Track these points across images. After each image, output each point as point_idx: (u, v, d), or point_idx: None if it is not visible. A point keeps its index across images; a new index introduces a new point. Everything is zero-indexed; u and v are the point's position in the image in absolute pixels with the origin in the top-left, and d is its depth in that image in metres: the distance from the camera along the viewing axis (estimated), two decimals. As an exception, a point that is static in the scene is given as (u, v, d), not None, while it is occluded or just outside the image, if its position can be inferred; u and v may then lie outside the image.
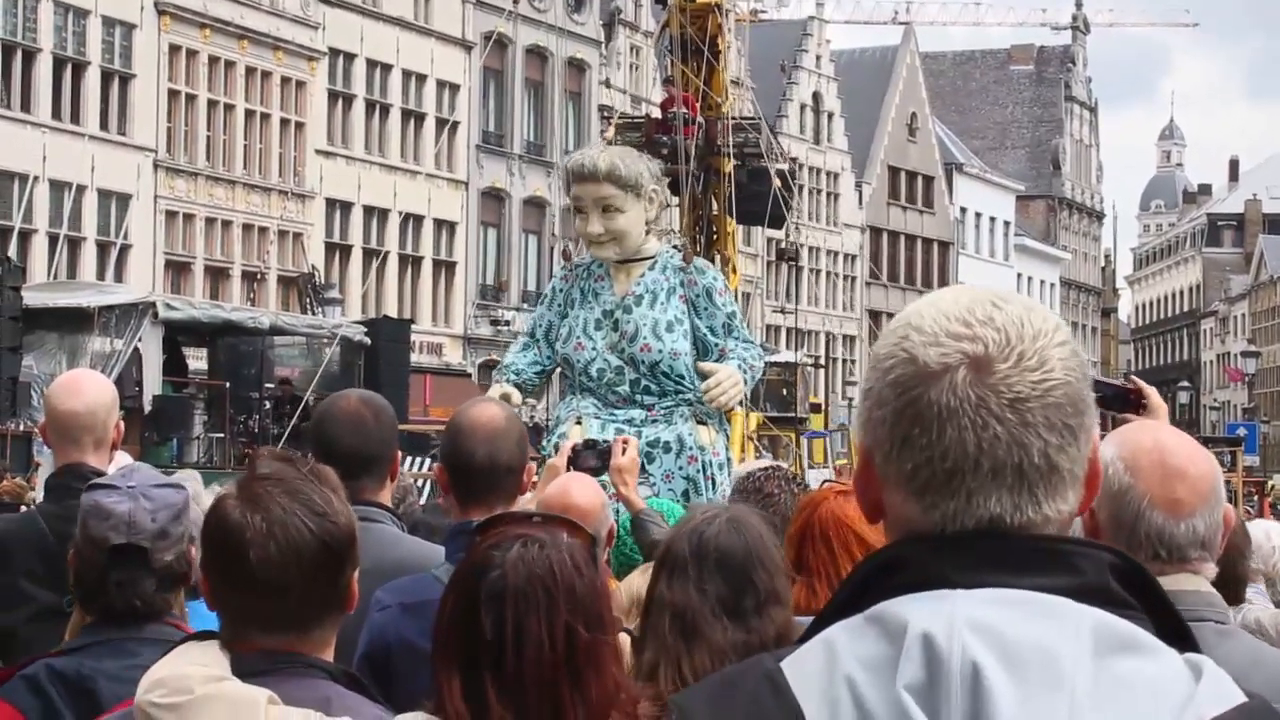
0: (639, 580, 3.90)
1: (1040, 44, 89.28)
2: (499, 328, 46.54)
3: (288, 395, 26.49)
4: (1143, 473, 2.72)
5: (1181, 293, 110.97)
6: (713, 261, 21.14)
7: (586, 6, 51.00)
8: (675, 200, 26.31)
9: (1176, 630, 1.49)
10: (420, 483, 19.54)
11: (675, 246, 7.98)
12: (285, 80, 41.70)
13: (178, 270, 39.02)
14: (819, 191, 64.32)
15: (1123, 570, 1.49)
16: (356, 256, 43.38)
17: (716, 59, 28.66)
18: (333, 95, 43.21)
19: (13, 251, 31.08)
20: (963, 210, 74.51)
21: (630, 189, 7.34)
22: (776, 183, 29.58)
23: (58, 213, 35.42)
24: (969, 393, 1.48)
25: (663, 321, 7.31)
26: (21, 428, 21.09)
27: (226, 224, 40.11)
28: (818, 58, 65.49)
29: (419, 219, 45.26)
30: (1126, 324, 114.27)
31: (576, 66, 50.48)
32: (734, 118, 29.89)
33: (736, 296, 22.67)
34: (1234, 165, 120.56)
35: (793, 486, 4.80)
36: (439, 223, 45.95)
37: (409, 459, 20.54)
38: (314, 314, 36.01)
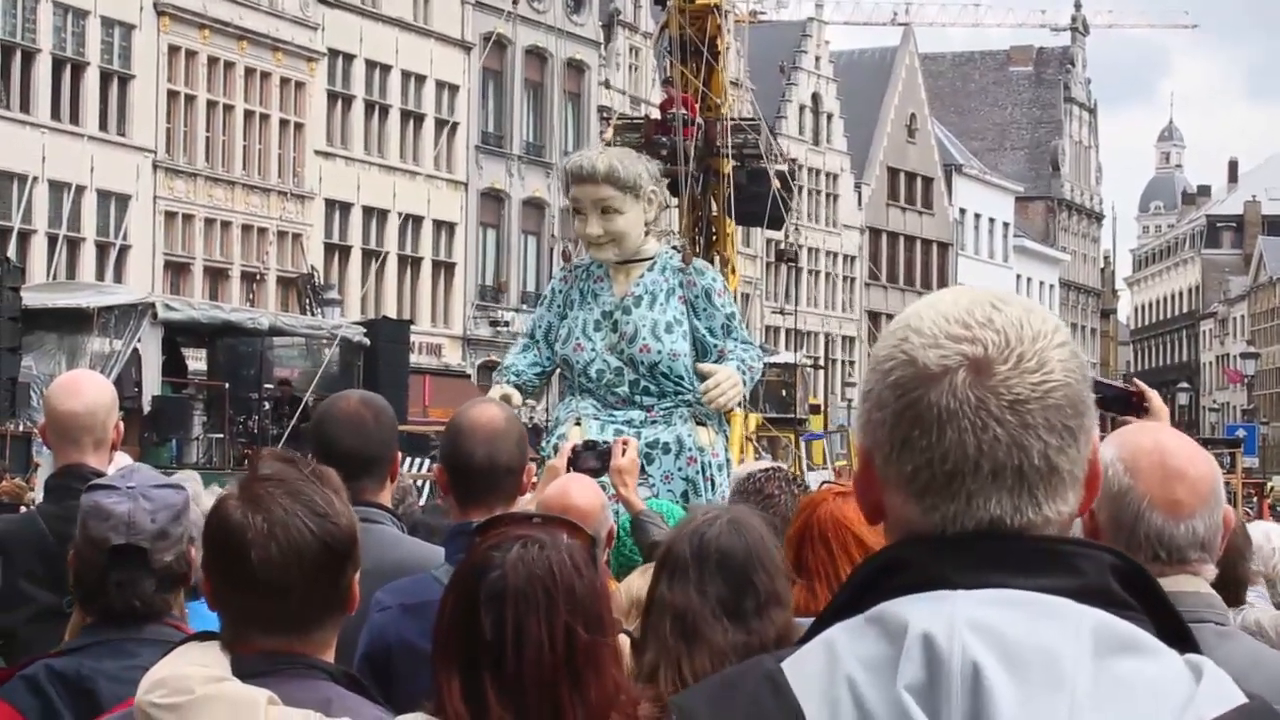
0: (638, 581, 3.90)
1: (1039, 45, 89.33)
2: (498, 328, 46.54)
3: (287, 396, 26.49)
4: (1142, 474, 2.72)
5: (1181, 294, 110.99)
6: (712, 262, 21.14)
7: (586, 7, 51.01)
8: (674, 201, 26.32)
9: (1177, 631, 1.49)
10: (420, 483, 19.55)
11: (674, 247, 7.98)
12: (284, 81, 41.71)
13: (177, 271, 39.02)
14: (818, 192, 64.33)
15: (1123, 571, 1.50)
16: (356, 257, 43.38)
17: (716, 60, 28.66)
18: (332, 96, 43.22)
19: (12, 252, 31.09)
20: (962, 211, 74.52)
21: (629, 190, 7.35)
22: (776, 184, 29.57)
23: (57, 213, 35.42)
24: (969, 394, 1.48)
25: (662, 322, 7.32)
26: (21, 428, 21.10)
27: (226, 225, 40.11)
28: (817, 59, 65.50)
29: (418, 220, 45.26)
30: (1126, 325, 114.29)
31: (576, 67, 50.49)
32: (733, 119, 29.87)
33: (736, 297, 22.66)
34: (1233, 167, 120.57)
35: (793, 488, 4.80)
36: (438, 223, 45.95)
37: (408, 460, 20.52)
38: (313, 315, 36.03)
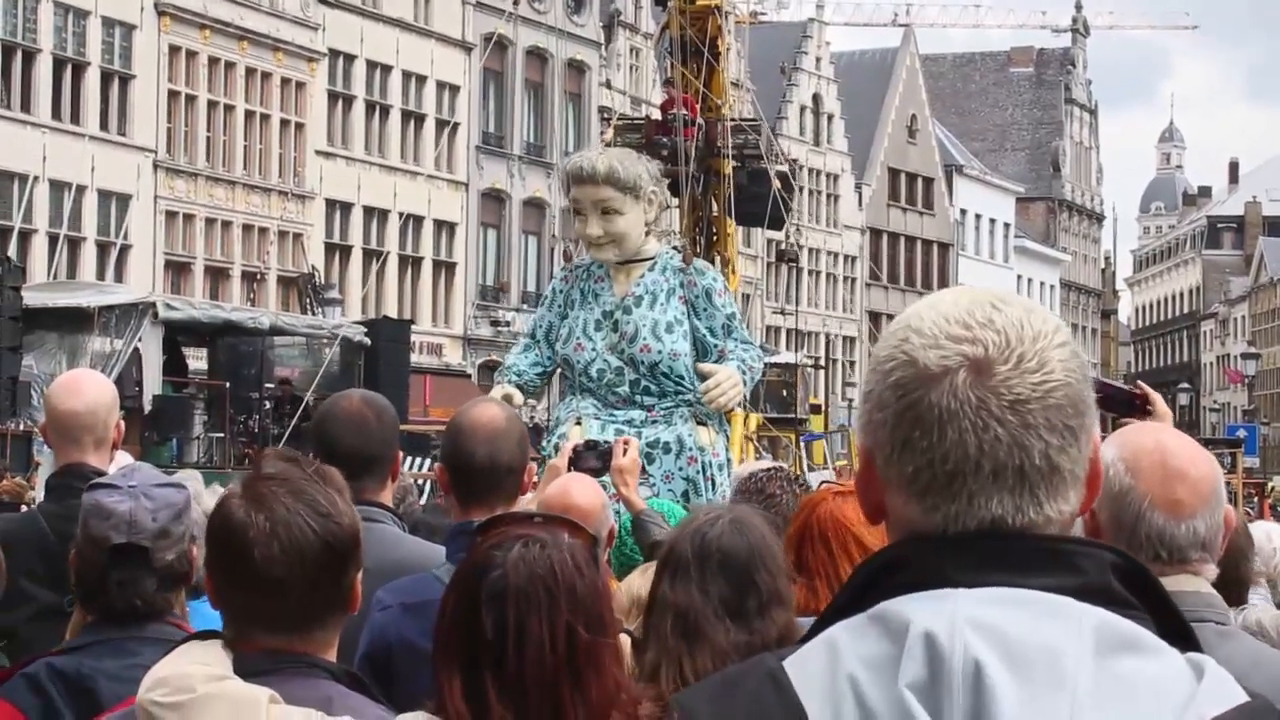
0: (639, 581, 3.90)
1: (1040, 46, 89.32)
2: (499, 328, 46.55)
3: (288, 395, 26.49)
4: (1144, 474, 2.72)
5: (1181, 295, 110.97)
6: (712, 263, 21.13)
7: (586, 8, 51.01)
8: (675, 201, 26.31)
9: (1179, 630, 1.49)
10: (421, 483, 19.55)
11: (675, 248, 7.98)
12: (285, 81, 41.71)
13: (178, 270, 39.02)
14: (819, 193, 64.33)
15: (1125, 570, 1.50)
16: (356, 257, 43.38)
17: (716, 61, 28.66)
18: (333, 96, 43.22)
19: (13, 251, 31.08)
20: (962, 212, 74.53)
21: (629, 191, 7.35)
22: (776, 184, 29.57)
23: (58, 213, 35.42)
24: (969, 395, 1.48)
25: (662, 322, 7.32)
26: (22, 427, 21.10)
27: (226, 224, 40.12)
28: (818, 60, 65.51)
29: (419, 220, 45.26)
30: (1126, 326, 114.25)
31: (576, 68, 50.49)
32: (734, 119, 29.88)
33: (736, 298, 22.67)
34: (1234, 167, 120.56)
35: (794, 487, 4.80)
36: (439, 223, 45.96)
37: (409, 459, 20.54)
38: (314, 314, 36.03)
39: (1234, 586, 3.96)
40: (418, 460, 23.92)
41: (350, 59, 43.54)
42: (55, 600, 3.83)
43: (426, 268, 45.66)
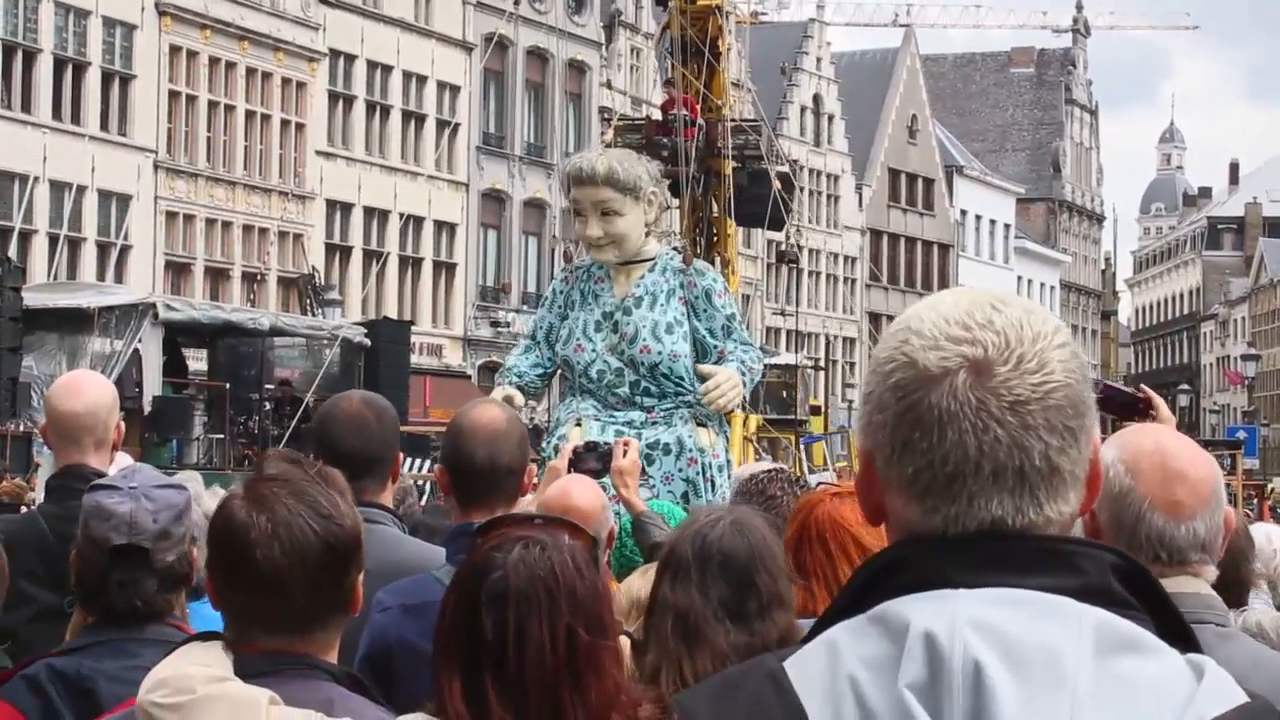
0: (638, 582, 3.90)
1: (1040, 47, 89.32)
2: (499, 329, 46.55)
3: (288, 396, 26.50)
4: (1143, 475, 2.72)
5: (1181, 296, 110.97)
6: (712, 264, 21.13)
7: (587, 8, 51.02)
8: (675, 202, 26.31)
9: (1179, 631, 1.49)
10: (421, 484, 19.55)
11: (675, 249, 7.98)
12: (286, 81, 41.72)
13: (178, 271, 39.03)
14: (819, 194, 64.34)
15: (1125, 571, 1.50)
16: (357, 258, 43.39)
17: (717, 61, 28.66)
18: (333, 96, 43.23)
19: (13, 252, 31.08)
20: (963, 213, 74.53)
21: (629, 192, 7.34)
22: (777, 185, 29.58)
23: (58, 213, 35.43)
24: (969, 396, 1.48)
25: (662, 323, 7.32)
26: (22, 428, 21.10)
27: (227, 225, 40.12)
28: (818, 60, 65.52)
29: (419, 220, 45.27)
30: (1126, 327, 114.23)
31: (577, 68, 50.50)
32: (734, 120, 29.88)
33: (737, 299, 22.66)
34: (1234, 168, 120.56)
35: (795, 489, 4.80)
36: (439, 224, 45.96)
37: (409, 460, 20.54)
38: (314, 315, 36.03)
39: (1234, 588, 3.96)
40: (417, 461, 23.92)
41: (351, 59, 43.55)
42: (55, 601, 3.83)
43: (427, 268, 45.66)
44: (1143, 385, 3.86)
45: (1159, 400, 3.71)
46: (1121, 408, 3.65)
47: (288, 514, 2.48)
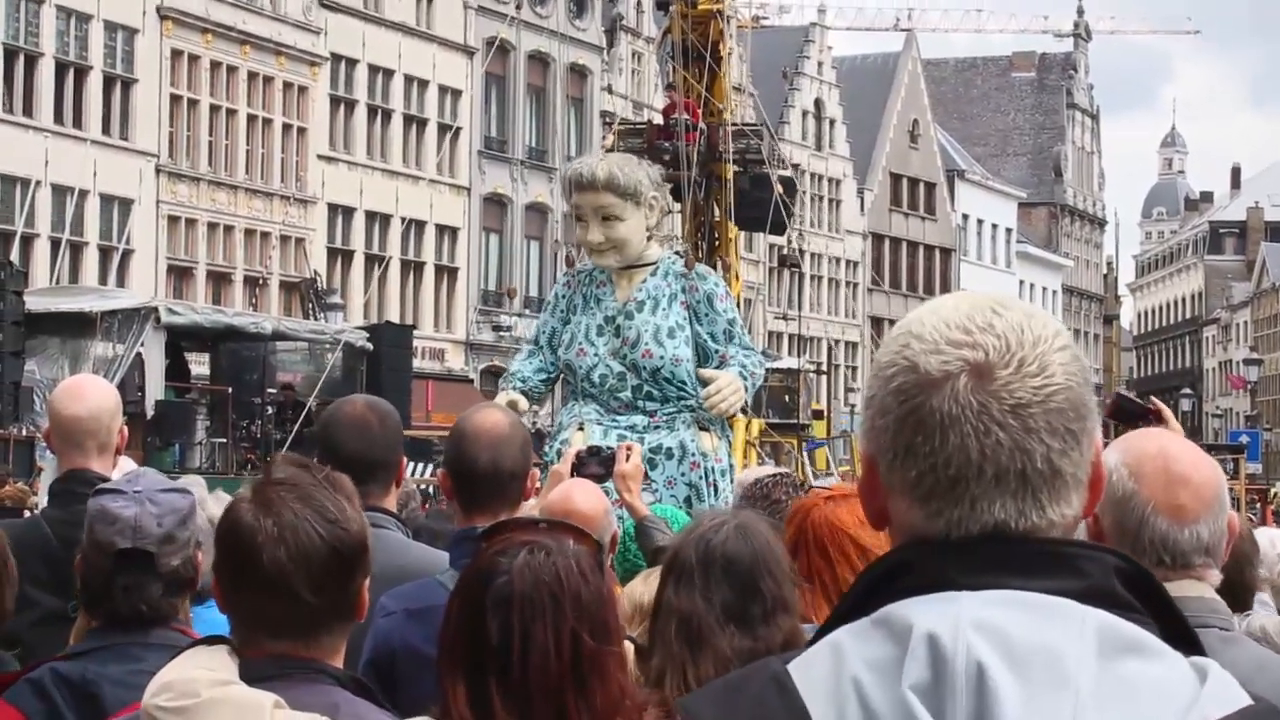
0: (640, 587, 3.90)
1: (1042, 51, 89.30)
2: (501, 333, 46.56)
3: (290, 400, 26.51)
4: (1147, 479, 2.73)
5: (1183, 300, 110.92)
6: (714, 268, 21.14)
7: (588, 12, 51.03)
8: (677, 207, 26.33)
9: (1183, 635, 1.50)
10: (426, 488, 19.56)
11: (677, 252, 7.98)
12: (287, 85, 41.73)
13: (180, 275, 39.04)
14: (821, 198, 64.34)
15: (1128, 574, 1.50)
16: (358, 262, 43.39)
17: (718, 65, 28.69)
18: (335, 100, 43.24)
19: (15, 256, 31.11)
20: (964, 217, 74.51)
21: (629, 197, 7.34)
22: (778, 189, 29.59)
23: (60, 217, 35.44)
24: (971, 399, 1.48)
25: (664, 327, 7.31)
26: (24, 433, 21.11)
27: (229, 229, 40.13)
28: (819, 64, 65.51)
29: (421, 224, 45.27)
30: (1128, 331, 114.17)
31: (578, 72, 50.51)
32: (736, 124, 29.92)
33: (739, 303, 22.67)
34: (1236, 173, 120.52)
35: (800, 493, 4.80)
36: (441, 228, 45.97)
37: (411, 465, 20.55)
38: (316, 319, 36.02)
39: (1238, 592, 3.97)
40: (420, 466, 23.95)
41: (352, 63, 43.56)
42: (59, 606, 3.83)
43: (429, 273, 45.67)
44: (1153, 398, 3.87)
45: (1169, 413, 3.72)
46: (1131, 417, 3.66)
47: (294, 518, 2.49)
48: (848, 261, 65.97)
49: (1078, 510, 1.53)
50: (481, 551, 2.45)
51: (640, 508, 5.40)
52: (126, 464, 4.58)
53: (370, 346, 27.79)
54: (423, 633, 3.30)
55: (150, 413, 23.75)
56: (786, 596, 3.16)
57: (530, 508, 4.08)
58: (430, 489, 19.90)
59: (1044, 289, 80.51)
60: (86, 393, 4.46)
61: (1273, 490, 41.90)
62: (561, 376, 7.66)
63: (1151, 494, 2.72)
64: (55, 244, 35.13)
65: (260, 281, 40.32)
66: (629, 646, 2.95)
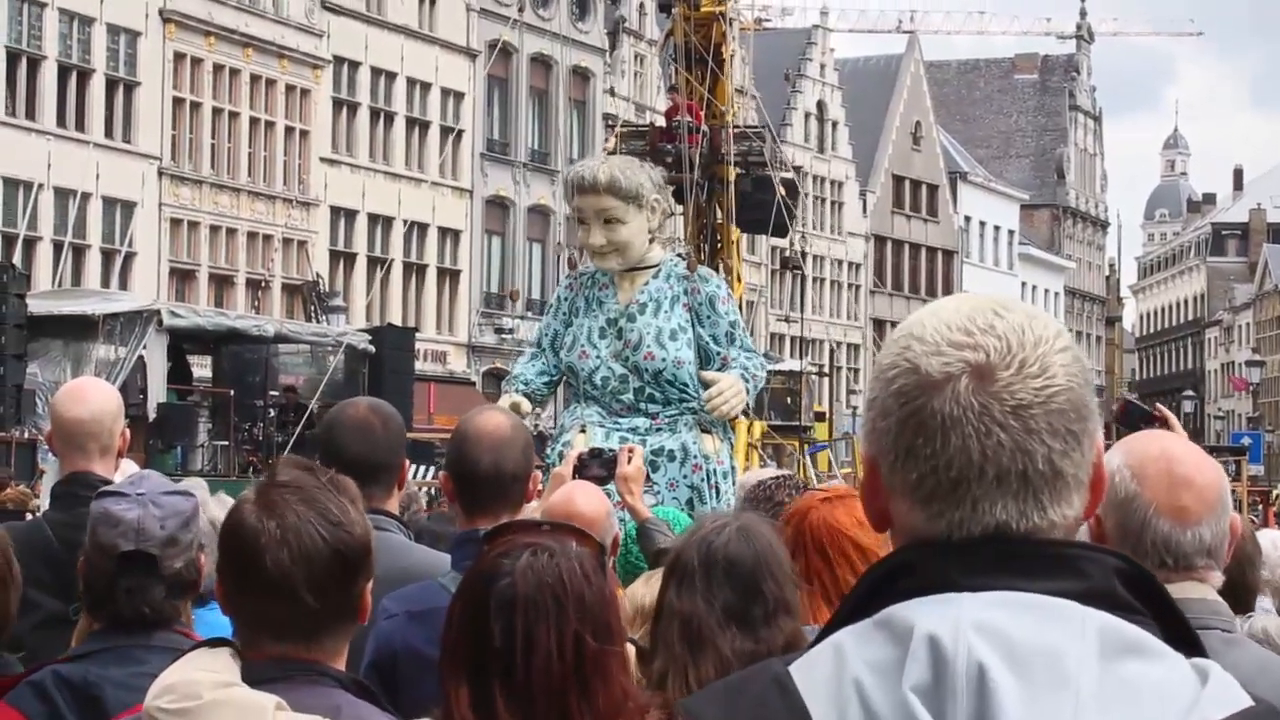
0: (641, 589, 3.89)
1: (1044, 53, 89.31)
2: (503, 336, 46.57)
3: (292, 403, 26.52)
4: (1149, 481, 2.73)
5: (1186, 302, 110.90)
6: (716, 270, 21.15)
7: (591, 15, 51.05)
8: (679, 209, 26.34)
9: (1184, 636, 1.50)
10: (431, 490, 19.56)
11: (679, 255, 7.98)
12: (290, 88, 41.75)
13: (182, 278, 39.06)
14: (823, 200, 64.36)
15: (1129, 575, 1.50)
16: (361, 264, 43.42)
17: (721, 67, 28.70)
18: (337, 103, 43.26)
19: (18, 259, 31.14)
20: (967, 219, 74.53)
21: (631, 200, 7.34)
22: (780, 191, 29.59)
23: (62, 220, 35.46)
24: (972, 401, 1.49)
25: (666, 330, 7.31)
26: (26, 435, 21.10)
27: (231, 232, 40.15)
28: (822, 66, 65.54)
29: (423, 227, 45.30)
30: (1131, 333, 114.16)
31: (581, 75, 50.53)
32: (738, 126, 29.94)
33: (741, 305, 22.67)
34: (1238, 174, 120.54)
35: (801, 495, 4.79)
36: (444, 231, 45.99)
37: (413, 467, 20.55)
38: (318, 322, 36.04)
39: (1240, 594, 3.96)
40: (422, 468, 23.94)
41: (355, 66, 43.59)
42: (61, 608, 3.83)
43: (431, 275, 45.69)
44: (1159, 404, 3.88)
45: (1175, 421, 3.72)
46: (1134, 421, 3.67)
47: (297, 520, 2.49)
48: (850, 263, 65.98)
49: (1079, 511, 1.53)
50: (484, 553, 2.45)
51: (642, 510, 5.40)
52: (129, 466, 4.58)
53: (372, 349, 27.80)
54: (424, 635, 3.30)
55: (152, 415, 23.75)
56: (788, 598, 3.16)
57: (532, 510, 4.08)
58: (434, 492, 19.89)
59: (1046, 291, 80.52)
60: (88, 395, 4.47)
61: (1275, 492, 41.88)
62: (564, 379, 7.66)
63: (1154, 496, 2.72)
64: (58, 246, 35.16)
65: (262, 284, 40.34)
66: (630, 649, 2.95)
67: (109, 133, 37.41)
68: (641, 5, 53.05)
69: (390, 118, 44.60)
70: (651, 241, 7.52)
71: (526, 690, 2.33)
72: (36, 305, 22.14)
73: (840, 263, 65.28)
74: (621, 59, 52.31)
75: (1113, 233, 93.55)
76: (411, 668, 3.50)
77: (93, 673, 3.20)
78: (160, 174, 38.33)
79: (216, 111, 39.96)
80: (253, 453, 25.38)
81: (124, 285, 35.37)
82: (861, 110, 65.84)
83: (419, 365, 33.93)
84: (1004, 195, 77.92)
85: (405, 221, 44.42)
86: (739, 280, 29.25)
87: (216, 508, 4.13)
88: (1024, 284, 76.89)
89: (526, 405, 7.30)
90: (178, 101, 38.94)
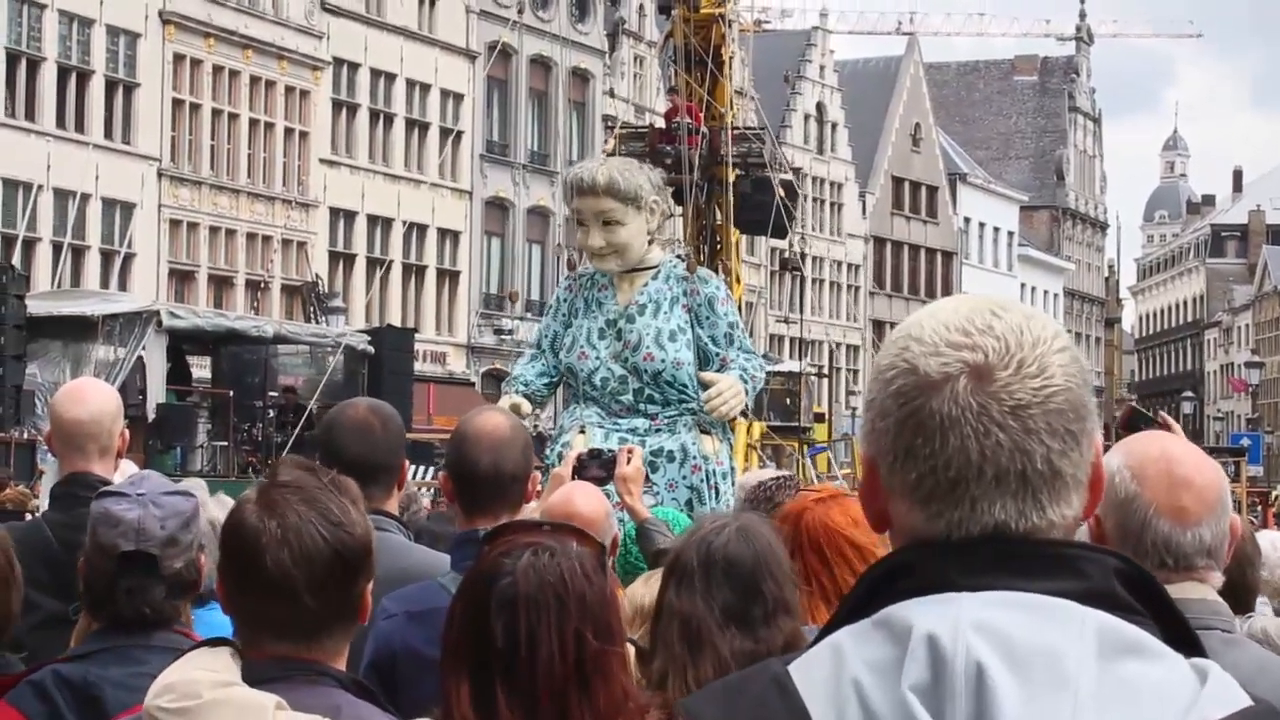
0: (640, 589, 3.90)
1: (1044, 54, 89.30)
2: (502, 337, 46.58)
3: (291, 404, 26.53)
4: (1149, 481, 2.73)
5: (1185, 303, 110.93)
6: (716, 271, 21.15)
7: (590, 16, 51.06)
8: (678, 210, 26.35)
9: (1184, 637, 1.50)
10: (432, 490, 19.56)
11: (679, 256, 7.99)
12: (289, 89, 41.75)
13: (182, 279, 39.06)
14: (823, 201, 64.36)
15: (1128, 576, 1.50)
16: (360, 265, 43.42)
17: (720, 69, 28.70)
18: (337, 104, 43.26)
19: (17, 260, 31.13)
20: (966, 220, 74.53)
21: (630, 202, 7.34)
22: (780, 193, 29.60)
23: (62, 221, 35.46)
24: (970, 401, 1.49)
25: (665, 331, 7.32)
26: (26, 436, 21.11)
27: (230, 233, 40.15)
28: (821, 68, 65.55)
29: (423, 228, 45.30)
30: (1130, 334, 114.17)
31: (580, 76, 50.54)
32: (738, 128, 29.93)
33: (740, 306, 22.68)
34: (1238, 176, 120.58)
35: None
36: (443, 232, 45.99)
37: (412, 468, 20.54)
38: (318, 323, 36.05)
39: (1240, 594, 3.97)
40: (421, 468, 23.95)
41: (354, 67, 43.59)
42: (60, 609, 3.83)
43: (430, 276, 45.69)
44: (1163, 413, 3.90)
45: (1178, 428, 3.73)
46: (1140, 429, 3.69)
47: (298, 520, 2.49)
48: (849, 265, 65.99)
49: (1078, 511, 1.53)
50: (485, 553, 2.45)
51: (641, 510, 5.40)
52: (128, 467, 4.59)
53: (372, 350, 27.80)
54: (424, 635, 3.31)
55: (151, 416, 23.75)
56: (788, 598, 3.16)
57: (531, 510, 4.09)
58: (436, 492, 19.90)
59: (1045, 292, 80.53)
60: (88, 396, 4.47)
61: (1274, 493, 41.90)
62: (563, 380, 7.67)
63: (1154, 496, 2.73)
64: (57, 248, 35.16)
65: (262, 285, 40.34)
66: (630, 649, 2.95)
67: (109, 134, 37.41)
68: (641, 7, 53.07)
69: (390, 119, 44.60)
70: (651, 243, 7.53)
71: (528, 689, 2.33)
72: (36, 306, 22.15)
73: (840, 264, 65.29)
74: (621, 60, 52.32)
75: (1112, 234, 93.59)
76: (411, 668, 3.51)
77: (93, 673, 3.20)
78: (160, 175, 38.34)
79: (216, 113, 39.96)
80: (252, 453, 25.38)
81: (123, 286, 35.38)
82: (861, 112, 65.85)
83: (418, 366, 33.92)
84: (1003, 197, 77.93)
85: (405, 222, 44.43)
86: (738, 281, 29.26)
87: (216, 508, 4.13)
88: (1023, 285, 76.91)
89: (527, 406, 7.30)
90: (177, 103, 38.94)
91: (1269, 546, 5.48)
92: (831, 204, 65.13)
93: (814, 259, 60.90)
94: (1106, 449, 2.38)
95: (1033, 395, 1.49)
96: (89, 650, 3.28)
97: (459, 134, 45.75)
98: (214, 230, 39.68)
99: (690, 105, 28.11)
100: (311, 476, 2.56)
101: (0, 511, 13.63)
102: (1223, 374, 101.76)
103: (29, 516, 10.79)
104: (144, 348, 23.89)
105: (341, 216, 43.08)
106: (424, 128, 45.50)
